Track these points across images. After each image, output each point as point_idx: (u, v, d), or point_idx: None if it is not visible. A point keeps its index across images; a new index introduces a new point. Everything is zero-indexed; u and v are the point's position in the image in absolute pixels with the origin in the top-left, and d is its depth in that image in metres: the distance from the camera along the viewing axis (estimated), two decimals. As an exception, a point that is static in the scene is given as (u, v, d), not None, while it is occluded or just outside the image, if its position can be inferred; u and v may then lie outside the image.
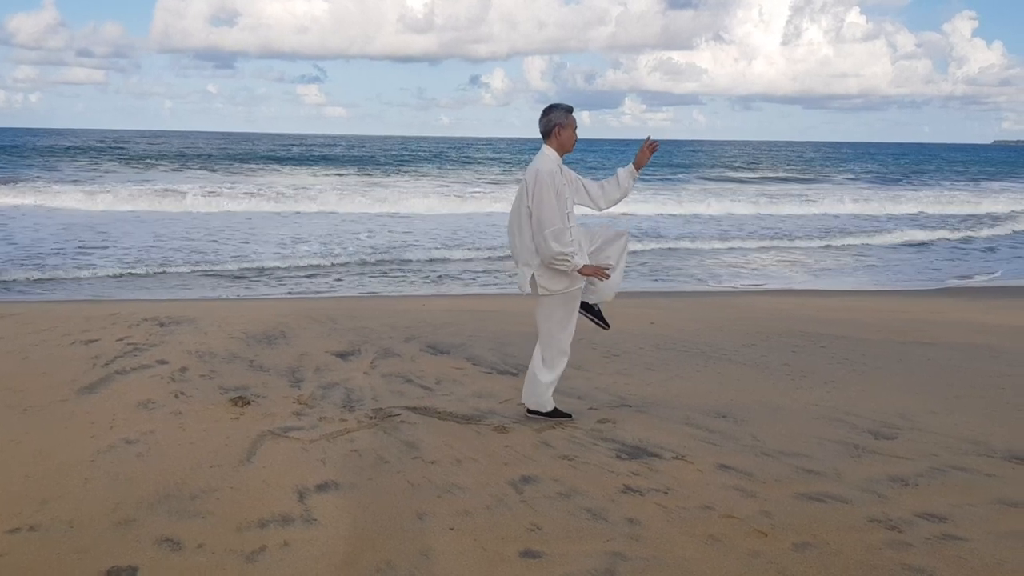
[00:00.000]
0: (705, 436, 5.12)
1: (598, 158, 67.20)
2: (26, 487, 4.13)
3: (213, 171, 43.88)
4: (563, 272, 4.95)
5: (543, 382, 5.25)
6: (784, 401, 5.95)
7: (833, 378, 6.65)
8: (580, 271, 4.93)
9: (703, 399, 5.94)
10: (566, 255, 4.86)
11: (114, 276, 13.09)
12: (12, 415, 5.27)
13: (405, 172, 48.01)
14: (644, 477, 4.42)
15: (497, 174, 48.21)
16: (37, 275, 12.72)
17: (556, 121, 4.99)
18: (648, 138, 5.25)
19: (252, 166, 49.40)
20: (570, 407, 5.65)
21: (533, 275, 5.01)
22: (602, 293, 5.30)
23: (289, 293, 12.13)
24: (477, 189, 34.33)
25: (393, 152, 75.57)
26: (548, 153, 5.00)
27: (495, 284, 13.27)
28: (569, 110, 5.05)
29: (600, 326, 5.46)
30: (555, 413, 5.35)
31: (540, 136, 5.03)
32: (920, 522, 3.90)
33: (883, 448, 4.96)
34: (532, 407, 5.35)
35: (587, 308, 5.37)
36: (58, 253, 14.92)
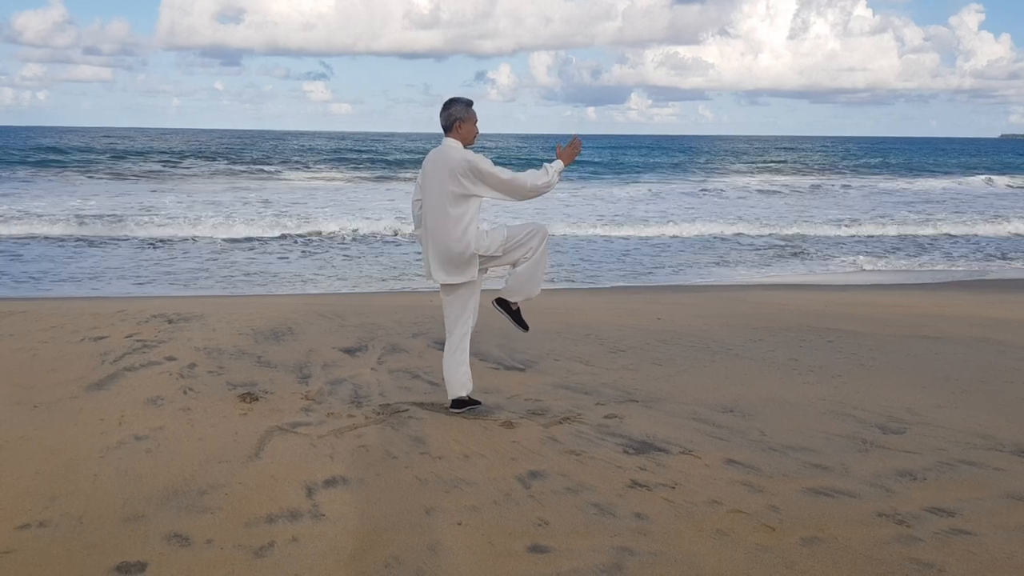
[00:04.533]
0: (712, 431, 5.12)
1: (606, 154, 67.05)
2: (36, 483, 4.15)
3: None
4: (496, 232, 5.18)
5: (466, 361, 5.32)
6: (791, 396, 5.94)
7: (840, 373, 6.64)
8: (565, 164, 5.17)
9: (710, 394, 5.94)
10: (548, 180, 5.08)
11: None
12: (22, 411, 5.29)
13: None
14: (651, 472, 4.42)
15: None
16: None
17: (456, 116, 5.07)
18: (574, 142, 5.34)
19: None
20: (577, 402, 5.66)
21: (479, 257, 5.10)
22: (527, 290, 5.34)
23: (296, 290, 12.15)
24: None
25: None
26: (455, 144, 5.09)
27: (500, 280, 13.28)
28: (469, 104, 5.13)
29: (520, 327, 5.51)
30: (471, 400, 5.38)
31: (443, 130, 5.14)
32: (928, 516, 3.90)
33: (891, 442, 4.95)
34: (463, 397, 5.33)
35: (506, 308, 5.43)
36: None
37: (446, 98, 5.18)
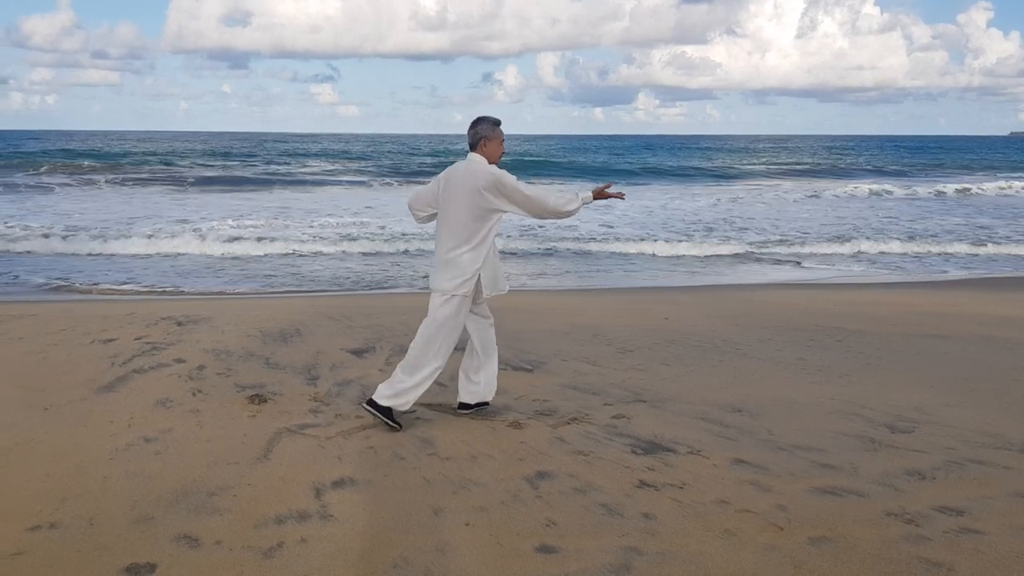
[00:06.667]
0: (720, 431, 5.11)
1: (610, 155, 66.87)
2: (46, 485, 4.17)
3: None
4: (503, 276, 5.29)
5: (413, 383, 5.07)
6: (799, 395, 5.93)
7: (848, 372, 6.63)
8: (594, 199, 5.19)
9: (718, 394, 5.93)
10: (572, 208, 5.10)
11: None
12: (32, 414, 5.32)
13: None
14: (659, 472, 4.42)
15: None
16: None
17: (482, 134, 5.10)
18: (620, 193, 5.34)
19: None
20: (584, 403, 5.66)
21: (480, 278, 5.06)
22: (398, 401, 5.08)
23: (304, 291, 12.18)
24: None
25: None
26: (480, 159, 5.09)
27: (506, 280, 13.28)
28: (496, 123, 5.15)
29: (392, 424, 5.11)
30: (390, 413, 5.10)
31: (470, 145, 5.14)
32: (937, 515, 3.89)
33: (899, 442, 4.95)
34: (385, 403, 5.08)
35: (375, 406, 5.10)
36: None
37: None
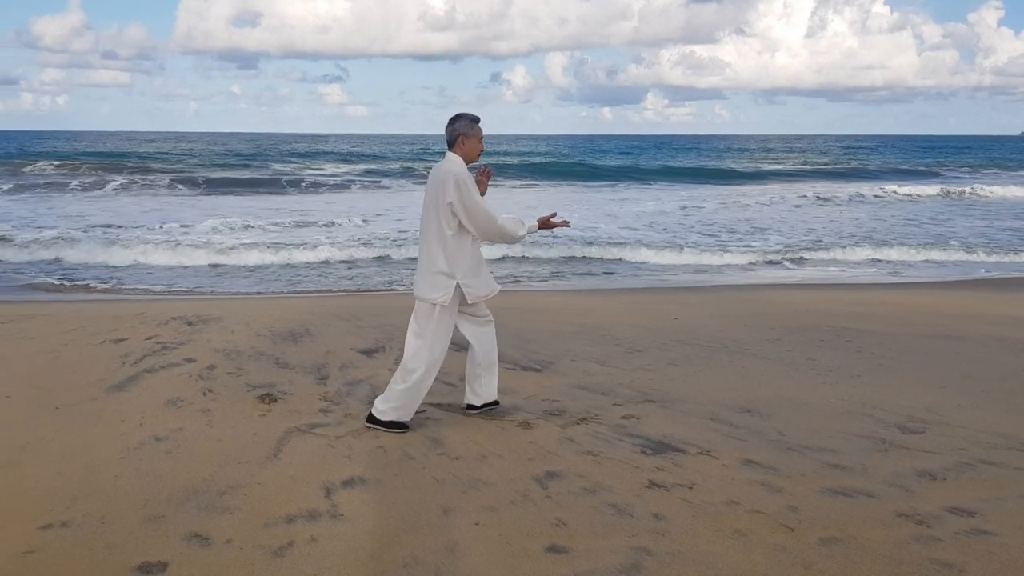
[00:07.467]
0: (730, 431, 5.11)
1: (620, 155, 66.67)
2: (57, 484, 4.19)
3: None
4: (488, 278, 5.14)
5: (407, 388, 5.05)
6: (809, 396, 5.91)
7: (859, 372, 6.61)
8: (539, 227, 5.18)
9: (727, 394, 5.92)
10: (520, 234, 5.08)
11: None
12: (43, 413, 5.35)
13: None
14: (669, 472, 4.42)
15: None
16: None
17: (460, 131, 5.00)
18: (565, 220, 5.32)
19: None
20: (594, 403, 5.66)
21: (458, 284, 4.97)
22: (400, 413, 5.06)
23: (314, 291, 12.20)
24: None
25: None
26: (455, 159, 5.00)
27: (516, 282, 13.30)
28: (475, 120, 5.05)
29: (399, 429, 5.10)
30: (397, 424, 5.09)
31: (446, 144, 5.07)
32: (948, 516, 3.87)
33: (910, 442, 4.93)
34: (387, 418, 5.07)
35: (375, 421, 5.10)
36: None
37: (455, 111, 5.11)
